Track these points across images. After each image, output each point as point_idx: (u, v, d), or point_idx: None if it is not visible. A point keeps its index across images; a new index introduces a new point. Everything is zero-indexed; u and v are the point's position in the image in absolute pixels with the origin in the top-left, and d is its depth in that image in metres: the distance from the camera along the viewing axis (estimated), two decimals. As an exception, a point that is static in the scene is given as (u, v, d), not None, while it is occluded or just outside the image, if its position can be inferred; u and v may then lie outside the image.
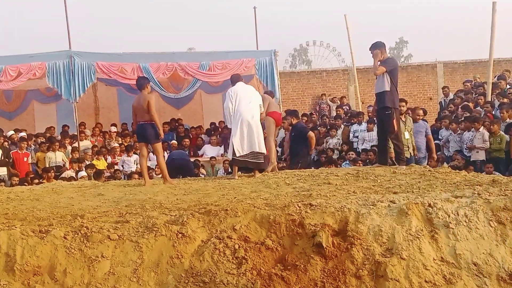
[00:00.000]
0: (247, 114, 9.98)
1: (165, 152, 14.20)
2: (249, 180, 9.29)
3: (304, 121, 17.07)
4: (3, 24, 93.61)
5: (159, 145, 9.92)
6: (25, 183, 12.52)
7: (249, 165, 10.09)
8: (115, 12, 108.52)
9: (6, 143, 14.97)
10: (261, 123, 10.29)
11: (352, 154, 14.43)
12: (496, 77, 17.21)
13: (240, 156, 9.92)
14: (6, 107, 19.47)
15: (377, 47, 9.93)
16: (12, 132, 16.13)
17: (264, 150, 10.13)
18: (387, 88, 9.69)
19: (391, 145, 10.11)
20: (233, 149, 9.94)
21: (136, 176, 13.34)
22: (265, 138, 10.56)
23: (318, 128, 16.39)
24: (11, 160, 14.59)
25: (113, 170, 14.73)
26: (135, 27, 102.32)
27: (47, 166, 14.66)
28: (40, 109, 19.83)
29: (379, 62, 9.77)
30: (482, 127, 12.59)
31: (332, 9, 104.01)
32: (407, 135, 11.32)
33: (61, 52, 16.20)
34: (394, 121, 9.80)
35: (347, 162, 14.06)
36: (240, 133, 9.90)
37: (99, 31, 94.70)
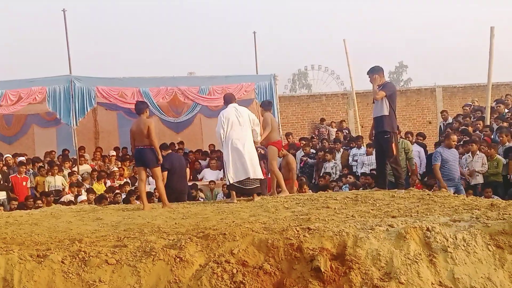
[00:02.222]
0: (239, 141, 9.82)
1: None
2: (248, 204, 9.28)
3: (302, 144, 17.13)
4: (3, 49, 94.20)
5: (158, 170, 9.92)
6: (24, 207, 12.51)
7: (244, 191, 10.00)
8: (116, 37, 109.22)
9: (5, 168, 14.98)
10: (260, 148, 10.28)
11: (350, 178, 14.43)
12: (495, 102, 17.29)
13: (235, 182, 9.85)
14: (6, 132, 19.49)
15: (375, 71, 9.98)
16: (8, 155, 16.11)
17: (260, 175, 9.99)
18: (386, 112, 9.72)
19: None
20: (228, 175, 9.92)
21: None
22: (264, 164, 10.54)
23: (318, 153, 16.40)
24: (10, 184, 14.58)
25: (112, 194, 14.71)
26: (135, 51, 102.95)
27: (46, 190, 14.65)
28: (40, 133, 19.85)
29: (378, 87, 9.81)
30: (478, 151, 12.60)
31: (331, 34, 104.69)
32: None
33: (61, 76, 16.25)
34: (393, 145, 9.82)
35: (347, 185, 14.06)
36: (232, 160, 9.80)
37: (99, 55, 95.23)
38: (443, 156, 11.73)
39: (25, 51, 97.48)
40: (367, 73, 10.08)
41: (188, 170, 13.58)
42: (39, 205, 13.19)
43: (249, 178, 9.81)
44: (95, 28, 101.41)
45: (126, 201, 13.25)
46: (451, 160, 11.75)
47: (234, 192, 10.01)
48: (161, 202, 9.97)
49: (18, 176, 14.84)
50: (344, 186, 14.01)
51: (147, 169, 10.12)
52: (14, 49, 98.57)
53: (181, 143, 19.40)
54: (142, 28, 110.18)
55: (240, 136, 9.85)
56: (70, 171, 15.99)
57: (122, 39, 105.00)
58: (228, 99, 10.42)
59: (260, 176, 10.01)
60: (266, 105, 11.61)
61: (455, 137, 12.29)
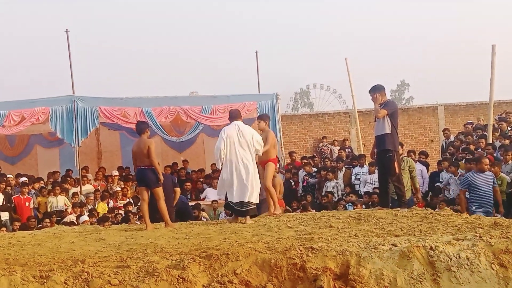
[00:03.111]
0: (239, 162, 9.59)
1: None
2: (251, 223, 9.26)
3: (303, 163, 17.13)
4: (7, 70, 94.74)
5: (159, 190, 9.89)
6: (27, 228, 12.49)
7: (238, 213, 9.71)
8: (118, 57, 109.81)
9: (9, 188, 14.98)
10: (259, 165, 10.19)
11: (352, 197, 14.41)
12: (498, 119, 17.28)
13: (228, 202, 9.76)
14: (9, 152, 19.53)
15: (376, 90, 10.01)
16: (10, 175, 16.12)
17: (257, 200, 9.75)
18: (388, 131, 9.74)
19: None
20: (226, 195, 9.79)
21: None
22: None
23: (321, 172, 16.39)
24: (13, 205, 14.58)
25: (113, 214, 14.69)
26: (138, 71, 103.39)
27: (49, 210, 14.65)
28: (43, 154, 19.91)
29: (379, 105, 9.84)
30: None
31: (333, 53, 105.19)
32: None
33: (64, 97, 16.33)
34: (395, 163, 9.83)
35: (350, 204, 14.03)
36: (229, 181, 9.63)
37: (102, 76, 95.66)
38: (472, 181, 11.44)
39: (28, 71, 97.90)
40: (369, 92, 10.12)
41: (177, 189, 13.35)
42: (44, 225, 13.17)
43: (242, 201, 9.58)
44: (98, 48, 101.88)
45: (126, 220, 13.21)
46: (482, 184, 11.37)
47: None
48: (164, 222, 9.93)
49: (21, 196, 14.85)
50: (347, 205, 13.98)
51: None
52: (17, 69, 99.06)
53: (186, 161, 19.44)
54: (145, 48, 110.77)
55: (238, 157, 9.60)
56: (73, 191, 16.00)
57: (125, 59, 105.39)
58: (233, 116, 10.08)
59: (257, 200, 9.76)
60: (265, 118, 11.04)
61: (487, 161, 11.81)
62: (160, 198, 9.91)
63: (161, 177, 9.86)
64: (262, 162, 10.36)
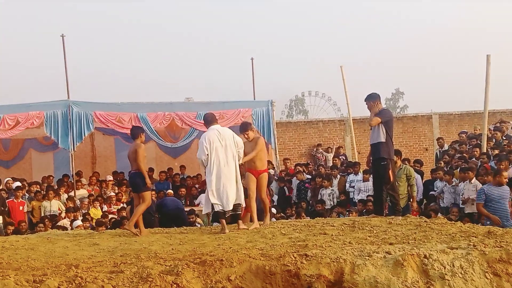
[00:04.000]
0: (225, 166, 9.29)
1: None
2: (245, 230, 9.24)
3: (297, 170, 17.15)
4: (1, 74, 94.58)
5: (146, 194, 9.68)
6: (20, 232, 12.44)
7: (231, 221, 9.61)
8: (113, 62, 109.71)
9: (3, 192, 14.94)
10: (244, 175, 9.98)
11: (340, 210, 14.41)
12: (493, 128, 17.33)
13: (221, 210, 9.28)
14: (3, 156, 19.52)
15: (371, 98, 10.05)
16: (8, 179, 16.11)
17: (242, 201, 9.48)
18: (383, 139, 9.76)
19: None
20: (212, 203, 9.28)
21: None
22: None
23: (316, 179, 16.40)
24: (6, 209, 14.53)
25: (107, 219, 14.66)
26: (133, 77, 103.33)
27: (42, 215, 14.61)
28: (37, 158, 19.90)
29: (374, 114, 9.87)
30: (475, 178, 12.57)
31: (328, 60, 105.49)
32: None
33: (59, 101, 16.32)
34: (390, 171, 9.85)
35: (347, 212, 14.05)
36: (216, 187, 9.27)
37: (97, 81, 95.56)
38: (488, 194, 11.11)
39: (23, 76, 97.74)
40: (364, 100, 10.15)
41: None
42: (38, 229, 13.11)
43: (239, 204, 9.42)
44: (93, 53, 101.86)
45: (118, 224, 13.13)
46: (499, 198, 11.05)
47: (223, 221, 9.34)
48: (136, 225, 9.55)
49: (15, 200, 14.81)
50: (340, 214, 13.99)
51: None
52: (12, 73, 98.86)
53: (183, 167, 19.46)
54: (140, 54, 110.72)
55: (225, 160, 9.31)
56: (67, 195, 15.97)
57: (120, 64, 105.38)
58: (209, 120, 9.68)
59: (242, 202, 9.51)
60: (248, 126, 10.27)
61: (506, 174, 11.47)
62: (145, 202, 9.65)
63: (148, 181, 9.66)
64: (256, 172, 9.89)
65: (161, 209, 12.24)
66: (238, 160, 9.52)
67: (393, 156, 10.14)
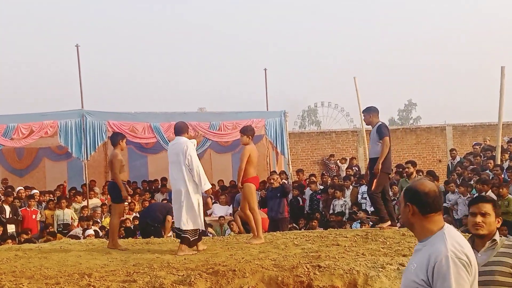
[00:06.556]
0: (172, 185, 8.66)
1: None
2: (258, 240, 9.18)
3: (311, 180, 17.10)
4: (17, 84, 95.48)
5: (118, 206, 9.36)
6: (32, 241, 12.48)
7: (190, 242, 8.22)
8: (127, 72, 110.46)
9: (16, 201, 15.02)
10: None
11: (359, 214, 14.34)
12: (507, 140, 17.24)
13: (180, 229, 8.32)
14: (17, 165, 19.64)
15: (370, 111, 9.98)
16: (20, 188, 16.20)
17: (195, 226, 8.29)
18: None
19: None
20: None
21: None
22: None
23: (328, 190, 16.35)
24: (20, 218, 14.60)
25: (121, 228, 14.69)
26: (147, 87, 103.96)
27: (55, 223, 14.68)
28: (51, 167, 20.00)
29: (379, 136, 9.73)
30: (490, 190, 12.50)
31: (341, 71, 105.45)
32: None
33: (73, 111, 16.42)
34: (376, 182, 9.71)
35: (358, 222, 13.98)
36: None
37: (111, 90, 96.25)
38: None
39: (37, 85, 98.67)
40: (362, 112, 10.20)
41: (169, 217, 12.71)
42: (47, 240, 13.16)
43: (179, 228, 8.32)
44: (107, 63, 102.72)
45: (130, 233, 13.16)
46: None
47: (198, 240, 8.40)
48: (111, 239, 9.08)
49: (28, 209, 14.88)
50: (355, 223, 13.93)
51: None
52: (27, 83, 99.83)
53: None
54: (154, 63, 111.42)
55: (171, 178, 8.65)
56: (82, 205, 16.03)
57: (134, 75, 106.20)
58: (176, 130, 9.03)
59: (199, 226, 8.39)
60: (246, 131, 9.44)
61: None
62: (115, 215, 9.29)
63: (124, 193, 9.16)
64: (244, 181, 9.12)
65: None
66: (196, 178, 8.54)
67: (390, 171, 10.13)
